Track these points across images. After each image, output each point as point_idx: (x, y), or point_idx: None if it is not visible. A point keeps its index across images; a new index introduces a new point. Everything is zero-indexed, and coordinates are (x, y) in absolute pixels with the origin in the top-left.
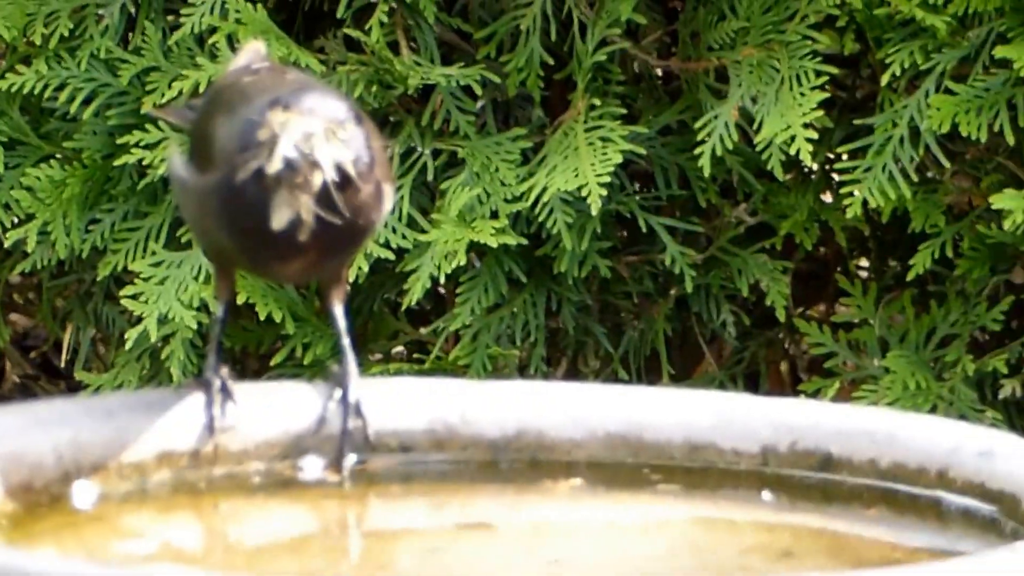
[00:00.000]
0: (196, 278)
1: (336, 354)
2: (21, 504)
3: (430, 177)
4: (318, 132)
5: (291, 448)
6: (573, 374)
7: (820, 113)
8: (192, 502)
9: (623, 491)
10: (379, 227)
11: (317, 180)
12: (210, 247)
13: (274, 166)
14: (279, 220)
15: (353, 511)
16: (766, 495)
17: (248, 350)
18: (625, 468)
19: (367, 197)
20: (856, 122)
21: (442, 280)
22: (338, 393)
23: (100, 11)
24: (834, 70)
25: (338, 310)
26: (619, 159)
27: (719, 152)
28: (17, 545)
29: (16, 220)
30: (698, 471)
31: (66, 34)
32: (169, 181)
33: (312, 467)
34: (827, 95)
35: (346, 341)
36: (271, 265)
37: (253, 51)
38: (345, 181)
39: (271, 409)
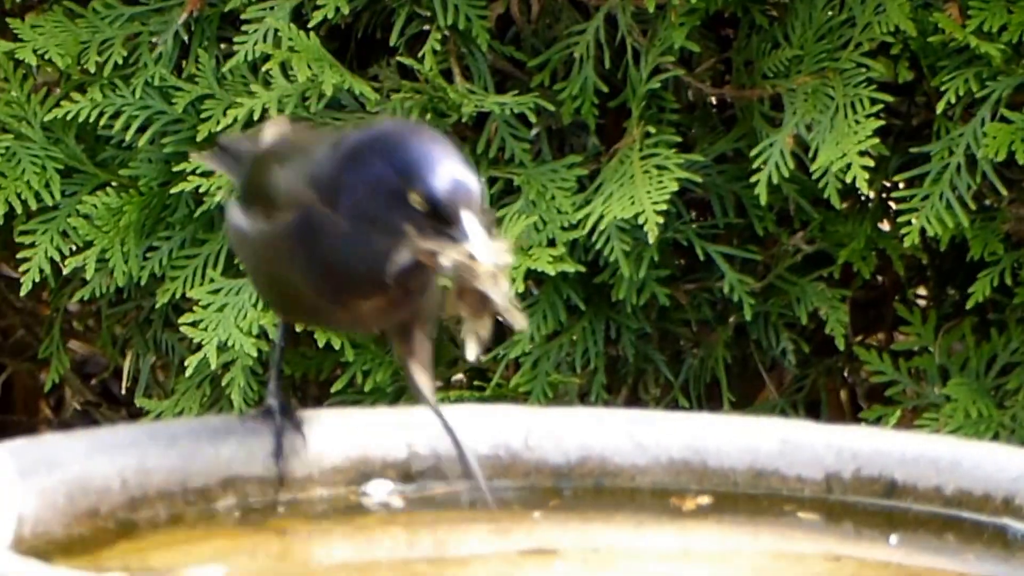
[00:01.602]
0: (255, 305)
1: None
2: (88, 530)
3: (486, 205)
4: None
5: (356, 474)
6: (633, 402)
7: (876, 141)
8: (258, 528)
9: (688, 518)
10: None
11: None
12: (276, 295)
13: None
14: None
15: (418, 537)
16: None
17: (308, 377)
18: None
19: None
20: (912, 150)
21: None
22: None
23: (153, 39)
24: (889, 98)
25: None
26: (675, 187)
27: (775, 180)
28: (85, 571)
29: (74, 248)
30: (765, 498)
31: (120, 62)
32: (227, 228)
33: (377, 493)
34: (882, 123)
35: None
36: (346, 307)
37: (281, 122)
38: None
39: (336, 435)
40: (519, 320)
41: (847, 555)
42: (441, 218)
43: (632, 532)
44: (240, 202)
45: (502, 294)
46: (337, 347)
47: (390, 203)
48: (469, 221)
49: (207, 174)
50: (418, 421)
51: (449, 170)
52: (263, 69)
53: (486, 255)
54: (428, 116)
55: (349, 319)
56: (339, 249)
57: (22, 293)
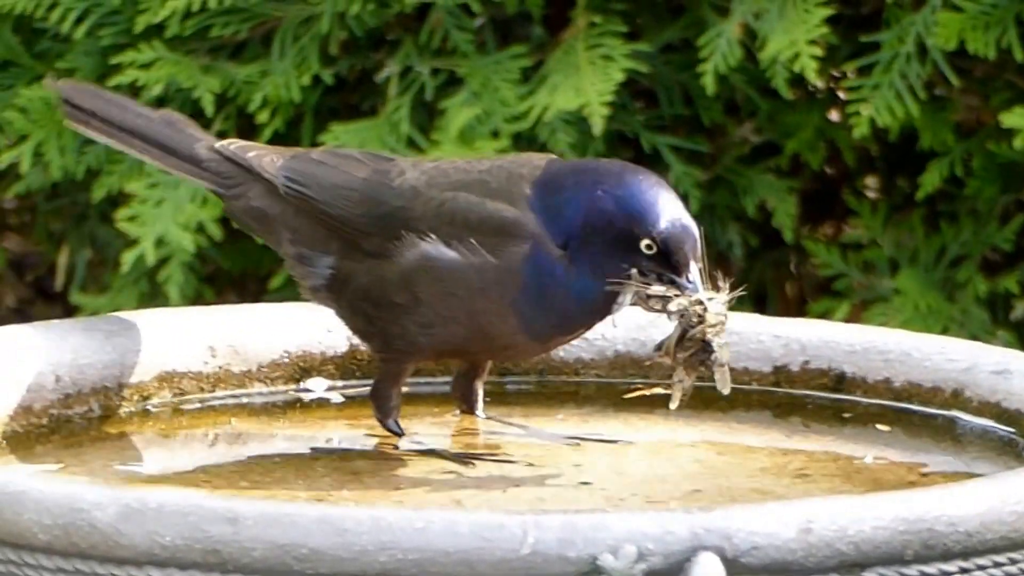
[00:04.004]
0: (192, 200)
1: None
2: (21, 426)
3: (429, 96)
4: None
5: (295, 370)
6: None
7: (825, 29)
8: (194, 424)
9: (632, 413)
10: None
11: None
12: (466, 331)
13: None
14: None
15: (360, 431)
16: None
17: (247, 273)
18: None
19: None
20: (862, 39)
21: None
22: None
23: None
24: None
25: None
26: (621, 77)
27: (723, 70)
28: (18, 468)
29: (9, 141)
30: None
31: None
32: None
33: (317, 389)
34: (832, 11)
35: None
36: (545, 343)
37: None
38: None
39: (276, 331)
40: (726, 383)
41: (795, 447)
42: (669, 265)
43: (577, 425)
44: (433, 236)
45: (722, 346)
46: None
47: (618, 245)
48: (695, 270)
49: (145, 66)
50: None
51: (678, 217)
52: None
53: (715, 305)
54: (370, 6)
55: (537, 351)
56: (562, 285)
57: None
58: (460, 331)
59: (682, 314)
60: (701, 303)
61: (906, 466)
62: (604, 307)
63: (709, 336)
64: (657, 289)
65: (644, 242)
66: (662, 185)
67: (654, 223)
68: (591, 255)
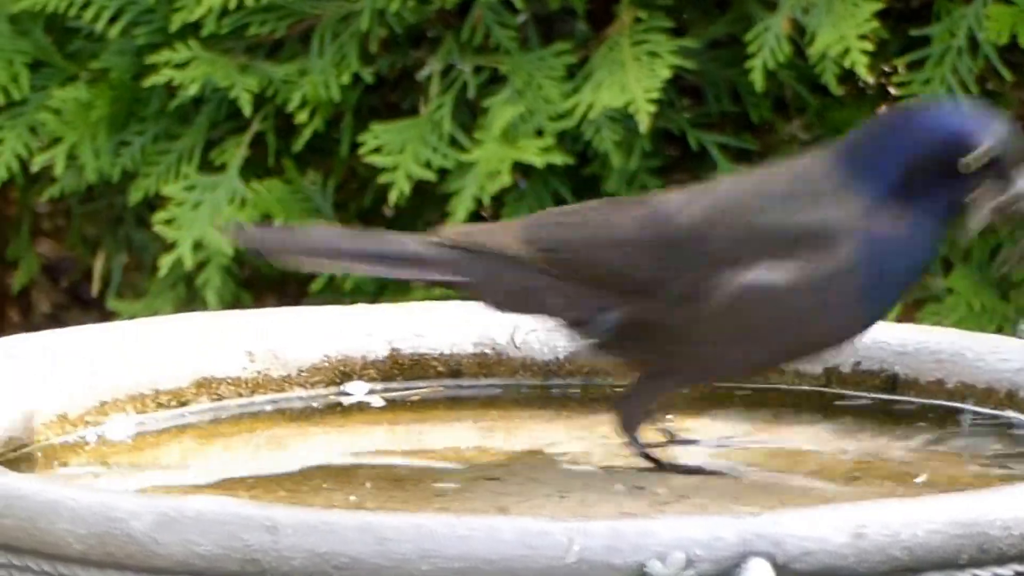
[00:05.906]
0: (231, 202)
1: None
2: (56, 434)
3: (471, 95)
4: None
5: (335, 374)
6: None
7: (875, 24)
8: (232, 430)
9: (681, 414)
10: None
11: None
12: (786, 349)
13: None
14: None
15: (399, 438)
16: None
17: (287, 276)
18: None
19: None
20: (913, 32)
21: (486, 201)
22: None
23: None
24: None
25: None
26: (667, 74)
27: (771, 66)
28: (53, 476)
29: (42, 144)
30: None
31: None
32: (738, 308)
33: (357, 393)
34: (882, 4)
35: None
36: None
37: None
38: None
39: (315, 334)
40: None
41: (846, 449)
42: (1001, 172)
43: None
44: (750, 264)
45: None
46: None
47: (944, 177)
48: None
49: (181, 66)
50: (399, 319)
51: (990, 123)
52: None
53: None
54: (410, 3)
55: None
56: (905, 254)
57: None
58: (781, 348)
59: None
60: None
61: (960, 468)
62: (936, 253)
63: None
64: (1002, 199)
65: (963, 164)
66: (961, 104)
67: (971, 140)
68: (922, 198)
